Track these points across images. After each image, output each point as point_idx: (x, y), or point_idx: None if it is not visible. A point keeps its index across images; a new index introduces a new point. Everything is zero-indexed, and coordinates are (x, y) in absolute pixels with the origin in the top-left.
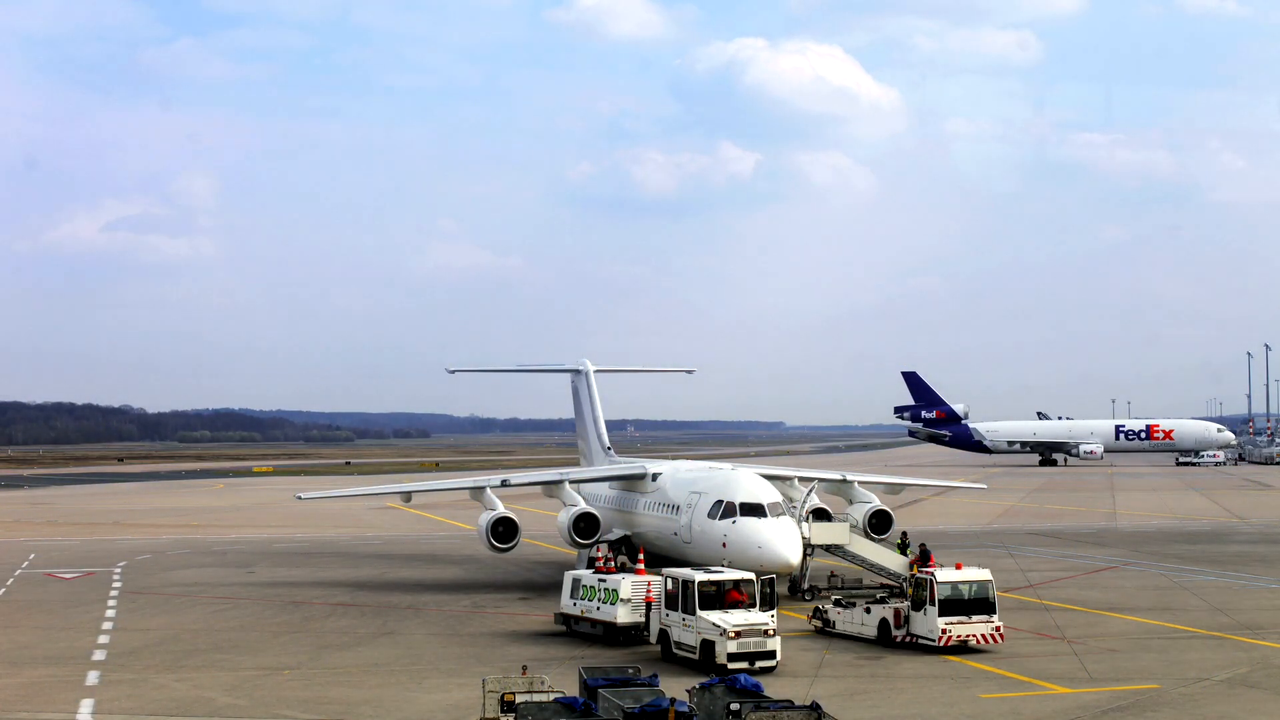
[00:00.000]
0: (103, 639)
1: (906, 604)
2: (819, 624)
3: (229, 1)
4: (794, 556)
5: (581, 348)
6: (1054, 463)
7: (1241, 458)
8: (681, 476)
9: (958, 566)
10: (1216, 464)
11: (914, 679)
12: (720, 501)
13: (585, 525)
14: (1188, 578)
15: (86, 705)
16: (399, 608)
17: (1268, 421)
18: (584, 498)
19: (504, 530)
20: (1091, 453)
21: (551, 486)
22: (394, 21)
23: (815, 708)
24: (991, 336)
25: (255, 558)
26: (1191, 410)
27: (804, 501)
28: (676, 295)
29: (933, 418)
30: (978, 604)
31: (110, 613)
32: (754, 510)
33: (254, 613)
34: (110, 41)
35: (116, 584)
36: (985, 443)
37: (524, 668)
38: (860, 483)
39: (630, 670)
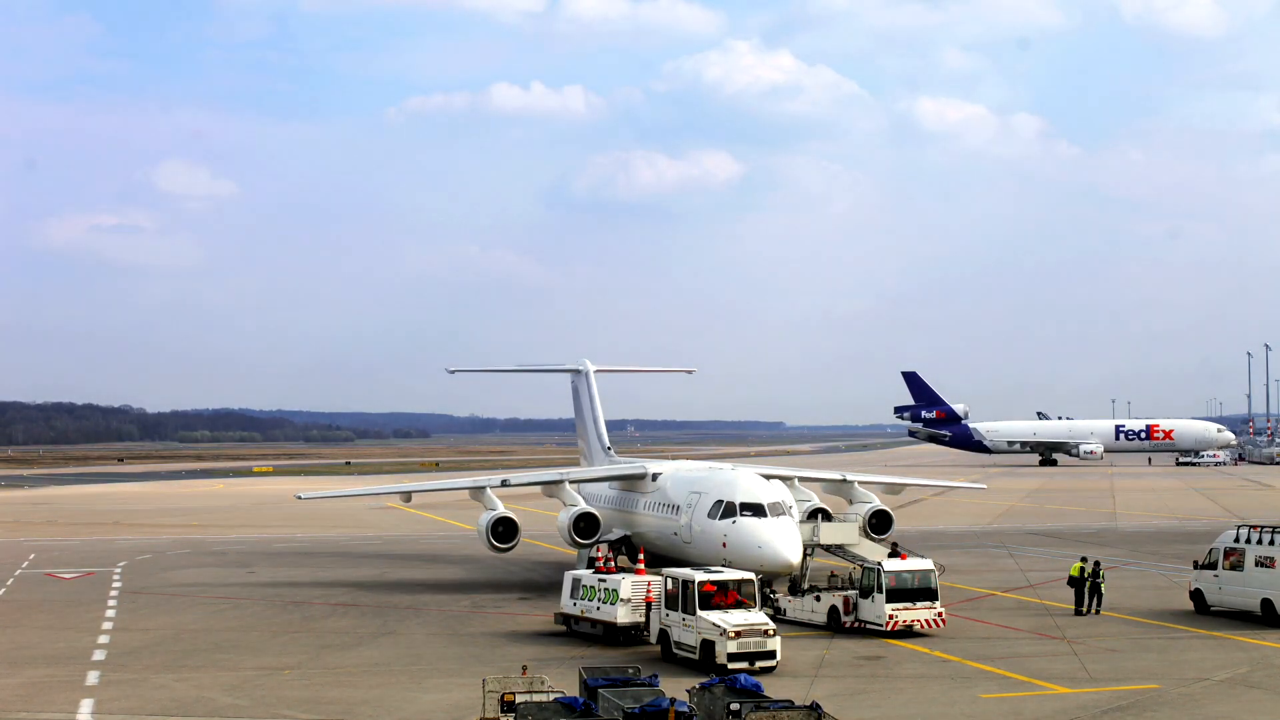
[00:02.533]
0: (103, 639)
1: (855, 592)
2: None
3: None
4: (794, 556)
5: (581, 348)
6: (1054, 463)
7: (1241, 458)
8: (682, 476)
9: (903, 557)
10: (1217, 464)
11: (914, 679)
12: (720, 501)
13: (585, 525)
14: (1187, 578)
15: (86, 705)
16: (399, 608)
17: (1268, 421)
18: (584, 498)
19: (504, 530)
20: (1091, 453)
21: (551, 486)
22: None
23: (815, 708)
24: (991, 336)
25: (255, 558)
26: (1191, 410)
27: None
28: (677, 296)
29: (933, 418)
30: (922, 592)
31: (110, 613)
32: (754, 510)
33: (254, 613)
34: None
35: (116, 584)
36: (985, 443)
37: (524, 668)
38: (860, 483)
39: (630, 670)
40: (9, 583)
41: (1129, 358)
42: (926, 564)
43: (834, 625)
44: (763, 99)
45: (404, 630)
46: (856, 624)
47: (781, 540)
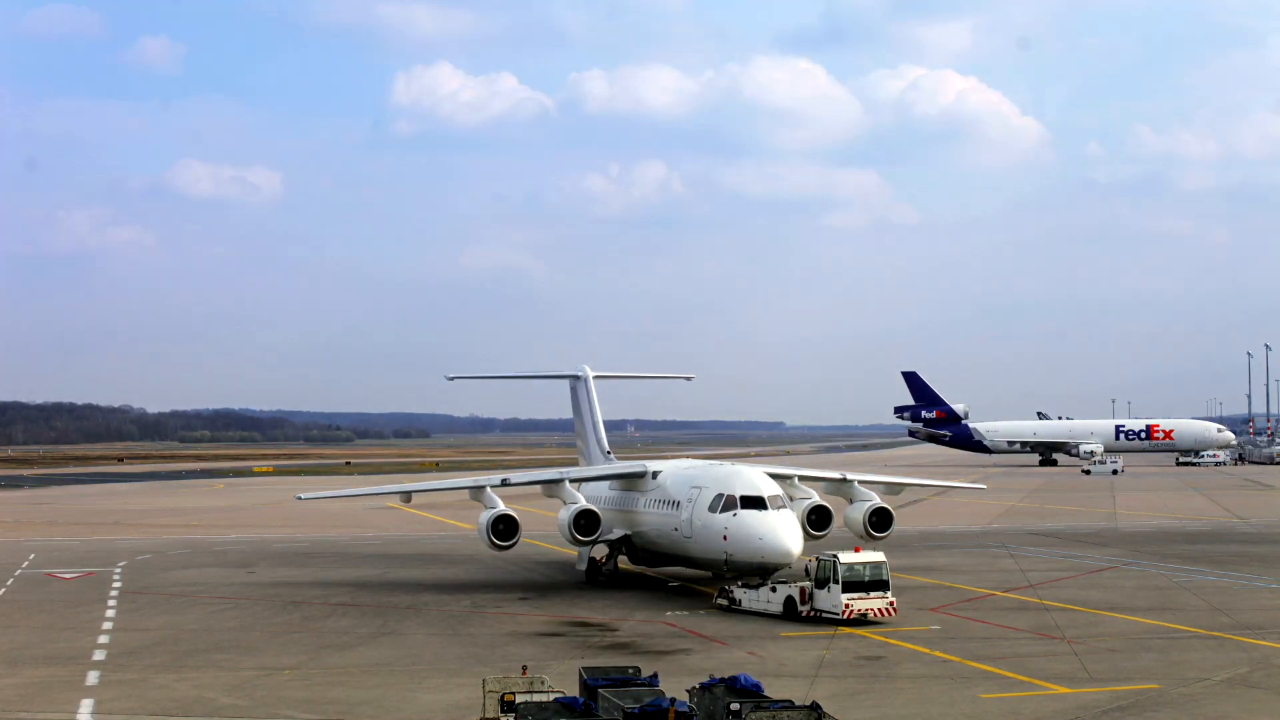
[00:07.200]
0: (103, 639)
1: (810, 583)
2: (724, 602)
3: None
4: (795, 547)
5: (582, 349)
6: (1054, 463)
7: (1241, 458)
8: (682, 473)
9: (856, 550)
10: (1216, 464)
11: (914, 679)
12: (721, 495)
13: (586, 523)
14: (1188, 578)
15: (86, 705)
16: (399, 608)
17: (1268, 421)
18: (585, 498)
19: (504, 528)
20: (1092, 453)
21: (552, 486)
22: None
23: (815, 708)
24: (992, 336)
25: (255, 558)
26: (1191, 410)
27: None
28: (678, 297)
29: (933, 418)
30: (875, 583)
31: (110, 613)
32: (755, 503)
33: (254, 613)
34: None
35: (116, 584)
36: (985, 443)
37: (524, 668)
38: (860, 482)
39: (630, 670)
40: (9, 583)
41: (1129, 358)
42: (879, 556)
43: (790, 615)
44: (764, 108)
45: (404, 630)
46: (812, 613)
47: (783, 531)
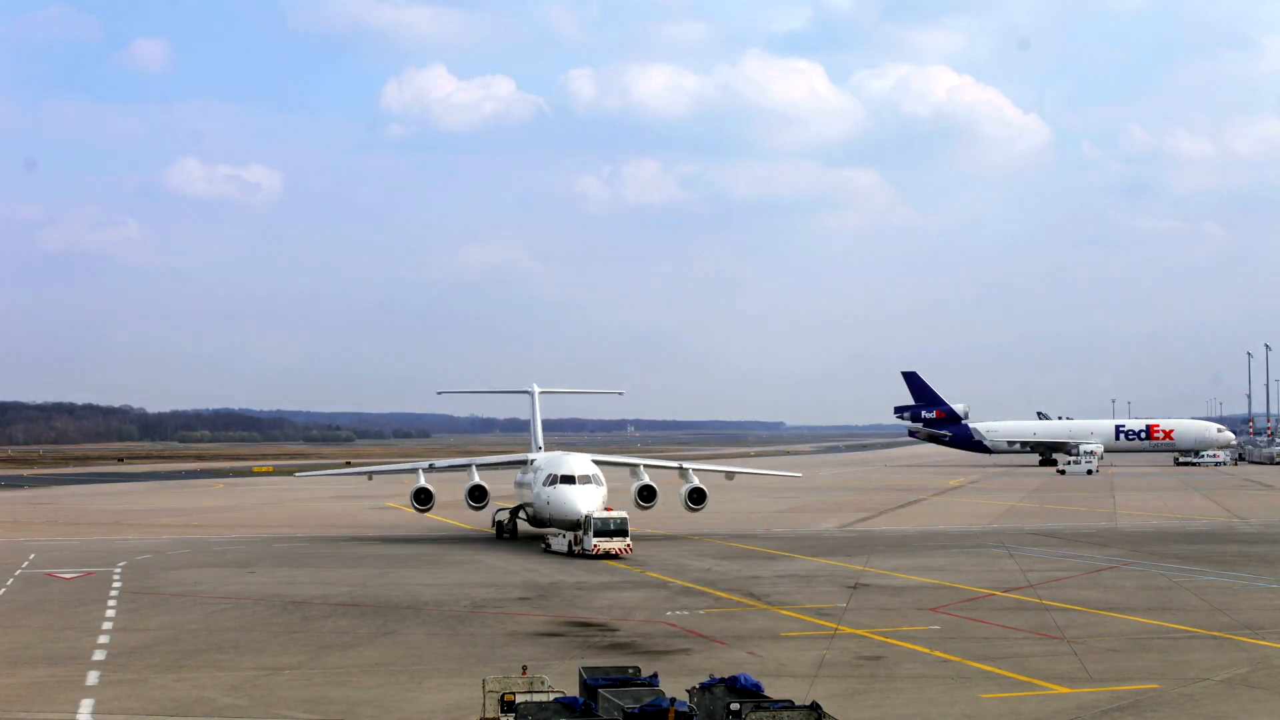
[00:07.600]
0: (103, 639)
1: (581, 531)
2: (544, 546)
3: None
4: (586, 509)
5: (581, 349)
6: (1054, 463)
7: (1242, 458)
8: (543, 460)
9: (608, 510)
10: (1216, 464)
11: (914, 679)
12: (551, 474)
13: (478, 494)
14: (1188, 578)
15: (86, 705)
16: (399, 608)
17: (1268, 421)
18: (515, 482)
19: (424, 496)
20: (1092, 453)
21: (467, 470)
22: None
23: (815, 708)
24: (992, 336)
25: (255, 558)
26: (1191, 410)
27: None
28: (676, 297)
29: (933, 418)
30: (617, 531)
31: (110, 613)
32: (569, 480)
33: (254, 613)
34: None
35: (116, 584)
36: (985, 443)
37: (524, 668)
38: (694, 470)
39: (630, 670)
40: (9, 583)
41: (1129, 358)
42: (622, 515)
43: (570, 552)
44: (764, 109)
45: (404, 630)
46: (580, 551)
47: (580, 500)
